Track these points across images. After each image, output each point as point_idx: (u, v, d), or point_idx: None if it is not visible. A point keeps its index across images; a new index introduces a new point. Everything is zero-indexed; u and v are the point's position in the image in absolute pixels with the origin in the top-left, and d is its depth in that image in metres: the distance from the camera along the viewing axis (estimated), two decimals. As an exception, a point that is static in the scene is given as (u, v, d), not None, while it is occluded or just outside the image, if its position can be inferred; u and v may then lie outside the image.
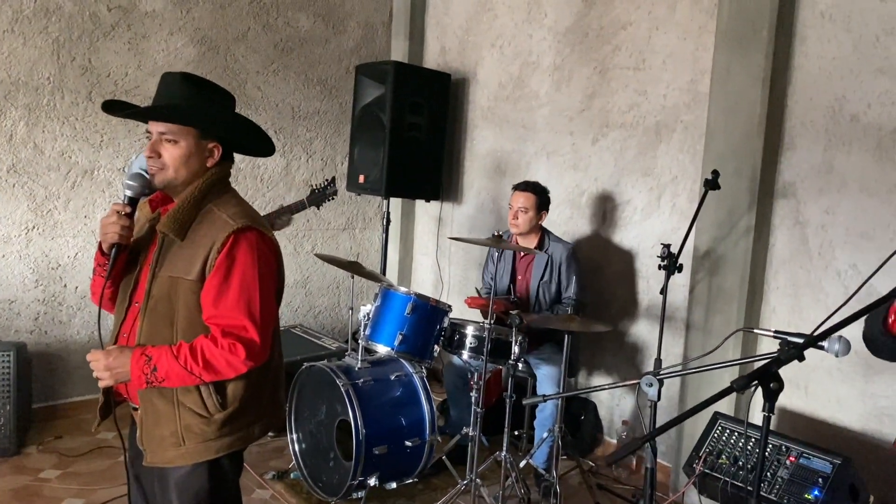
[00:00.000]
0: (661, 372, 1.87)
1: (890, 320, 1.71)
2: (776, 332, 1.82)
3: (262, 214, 2.24)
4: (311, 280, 5.53)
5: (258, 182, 5.14)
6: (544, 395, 2.26)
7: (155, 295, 1.88)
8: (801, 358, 1.54)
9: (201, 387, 1.88)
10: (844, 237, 3.31)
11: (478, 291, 4.10)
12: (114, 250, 1.90)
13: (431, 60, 5.58)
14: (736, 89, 3.52)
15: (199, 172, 1.93)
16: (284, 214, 3.77)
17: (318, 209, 4.04)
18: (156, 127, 1.90)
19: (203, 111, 1.93)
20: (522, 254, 3.99)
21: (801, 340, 1.60)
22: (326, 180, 3.96)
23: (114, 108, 1.99)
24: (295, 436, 3.60)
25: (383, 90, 4.90)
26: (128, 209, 1.90)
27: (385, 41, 5.70)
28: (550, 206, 4.03)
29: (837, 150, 3.31)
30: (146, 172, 1.93)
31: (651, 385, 2.02)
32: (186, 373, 1.82)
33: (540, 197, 3.91)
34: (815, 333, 1.58)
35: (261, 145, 2.11)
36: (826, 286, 3.37)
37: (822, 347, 1.58)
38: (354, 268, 3.75)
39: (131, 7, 4.46)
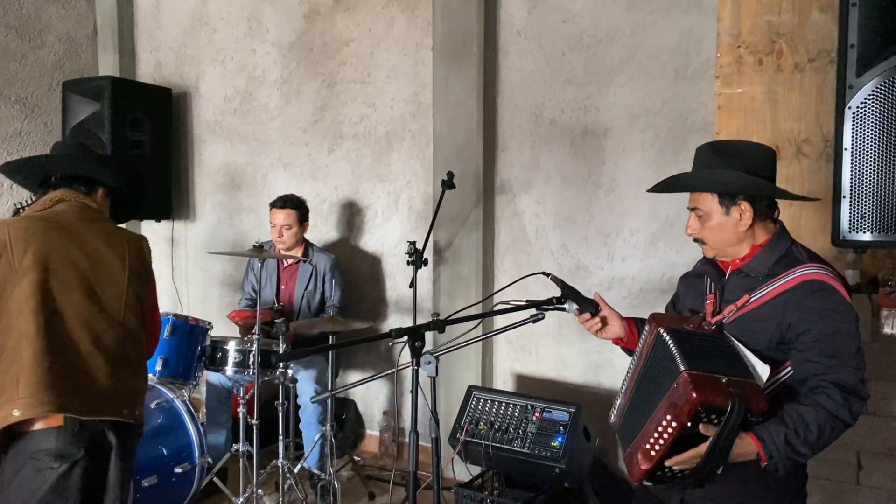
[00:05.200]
0: (438, 349, 2.14)
1: None
2: (528, 301, 2.23)
3: None
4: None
5: (-49, 215, 4.49)
6: (329, 392, 2.38)
7: None
8: (441, 330, 2.06)
9: None
10: (554, 222, 3.90)
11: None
12: None
13: (146, 75, 5.32)
14: (455, 99, 3.95)
15: None
16: None
17: None
18: None
19: None
20: (286, 263, 4.03)
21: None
22: None
23: None
24: (42, 488, 3.26)
25: (99, 107, 4.60)
26: None
27: (91, 56, 5.30)
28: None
29: (541, 149, 3.89)
30: None
31: (430, 363, 2.27)
32: None
33: (300, 210, 3.93)
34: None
35: None
36: (543, 265, 3.93)
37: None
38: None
39: None
